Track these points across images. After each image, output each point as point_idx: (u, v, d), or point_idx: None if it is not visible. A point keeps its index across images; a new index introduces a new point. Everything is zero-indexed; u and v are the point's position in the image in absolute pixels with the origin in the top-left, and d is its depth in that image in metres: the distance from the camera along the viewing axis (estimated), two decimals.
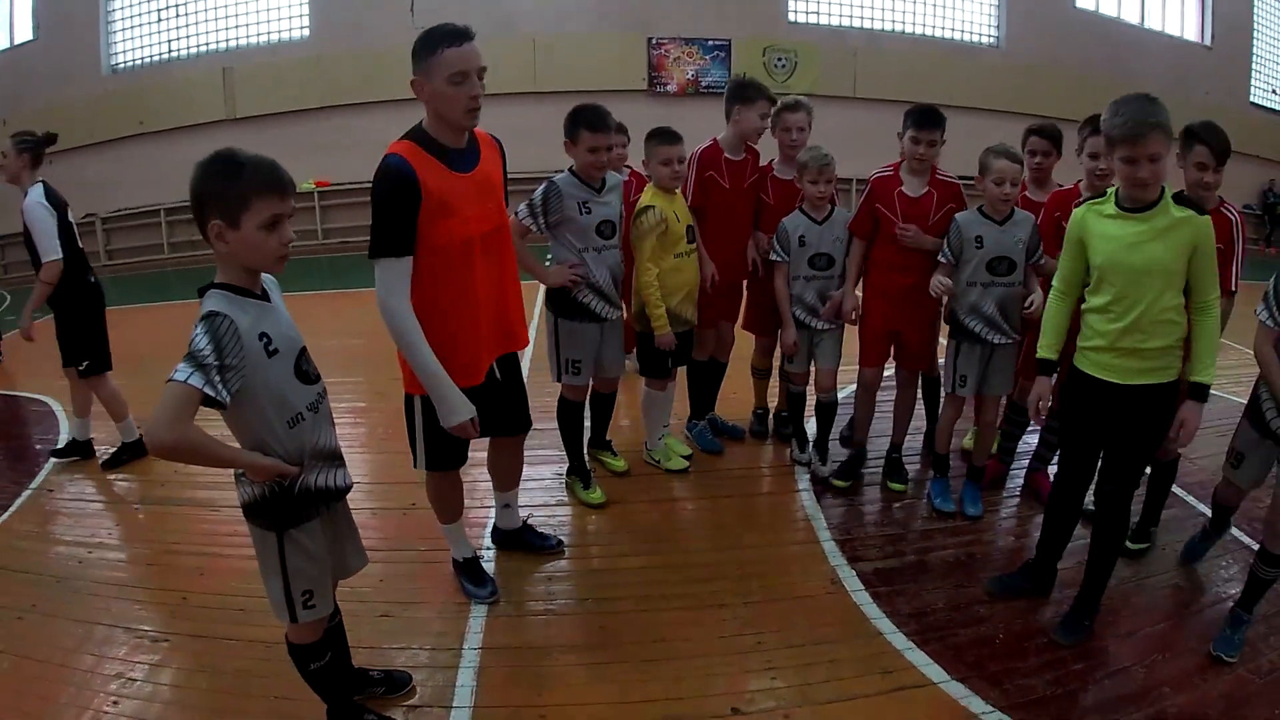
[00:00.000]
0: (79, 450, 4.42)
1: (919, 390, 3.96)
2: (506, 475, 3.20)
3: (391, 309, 2.40)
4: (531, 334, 6.01)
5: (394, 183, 2.36)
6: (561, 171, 3.35)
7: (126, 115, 10.34)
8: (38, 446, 4.75)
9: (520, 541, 3.31)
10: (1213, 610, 2.95)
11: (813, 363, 3.88)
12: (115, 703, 2.52)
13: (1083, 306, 2.68)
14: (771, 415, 4.50)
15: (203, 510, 3.78)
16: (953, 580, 3.18)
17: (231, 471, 1.94)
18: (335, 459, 2.08)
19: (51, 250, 4.00)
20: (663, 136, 3.54)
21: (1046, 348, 2.80)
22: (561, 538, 3.40)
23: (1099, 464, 2.79)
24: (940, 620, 2.90)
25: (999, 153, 3.28)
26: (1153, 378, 2.54)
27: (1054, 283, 2.79)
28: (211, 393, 1.70)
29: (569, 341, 3.43)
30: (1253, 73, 14.69)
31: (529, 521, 3.38)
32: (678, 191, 3.65)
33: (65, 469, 4.36)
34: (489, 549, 3.34)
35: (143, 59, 10.76)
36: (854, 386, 3.99)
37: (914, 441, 4.20)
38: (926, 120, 3.42)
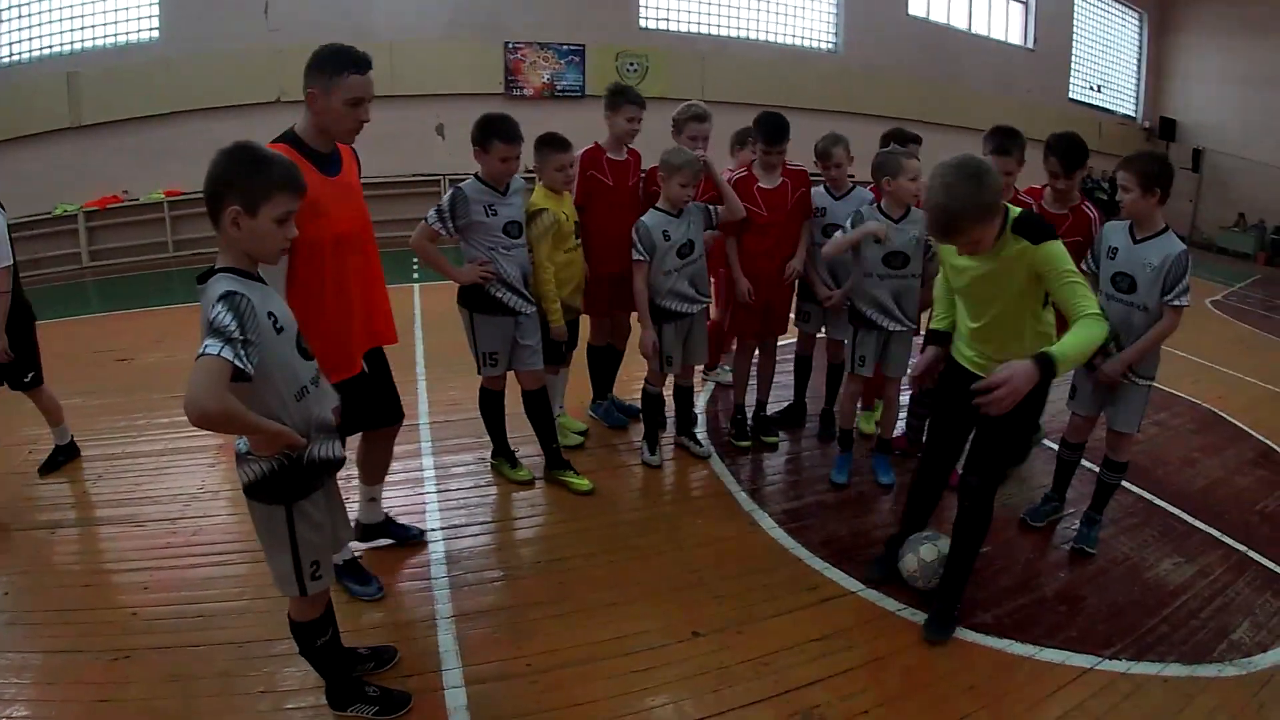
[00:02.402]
0: (66, 453, 4.28)
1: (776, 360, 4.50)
2: (376, 468, 3.27)
3: None
4: (418, 337, 6.18)
5: None
6: (464, 176, 3.57)
7: None
8: None
9: (385, 534, 3.39)
10: (1071, 518, 3.66)
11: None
12: None
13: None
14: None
15: (125, 527, 3.68)
16: (849, 513, 3.76)
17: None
18: (333, 432, 2.20)
19: (4, 256, 3.68)
20: (555, 144, 3.76)
21: (938, 320, 3.01)
22: (486, 519, 3.66)
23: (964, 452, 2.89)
24: (847, 545, 3.45)
25: (906, 154, 3.70)
26: None
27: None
28: (240, 365, 1.78)
29: (485, 336, 3.64)
30: (1071, 72, 16.58)
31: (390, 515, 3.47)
32: (565, 193, 3.89)
33: None
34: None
35: None
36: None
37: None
38: (775, 137, 3.94)
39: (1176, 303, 3.11)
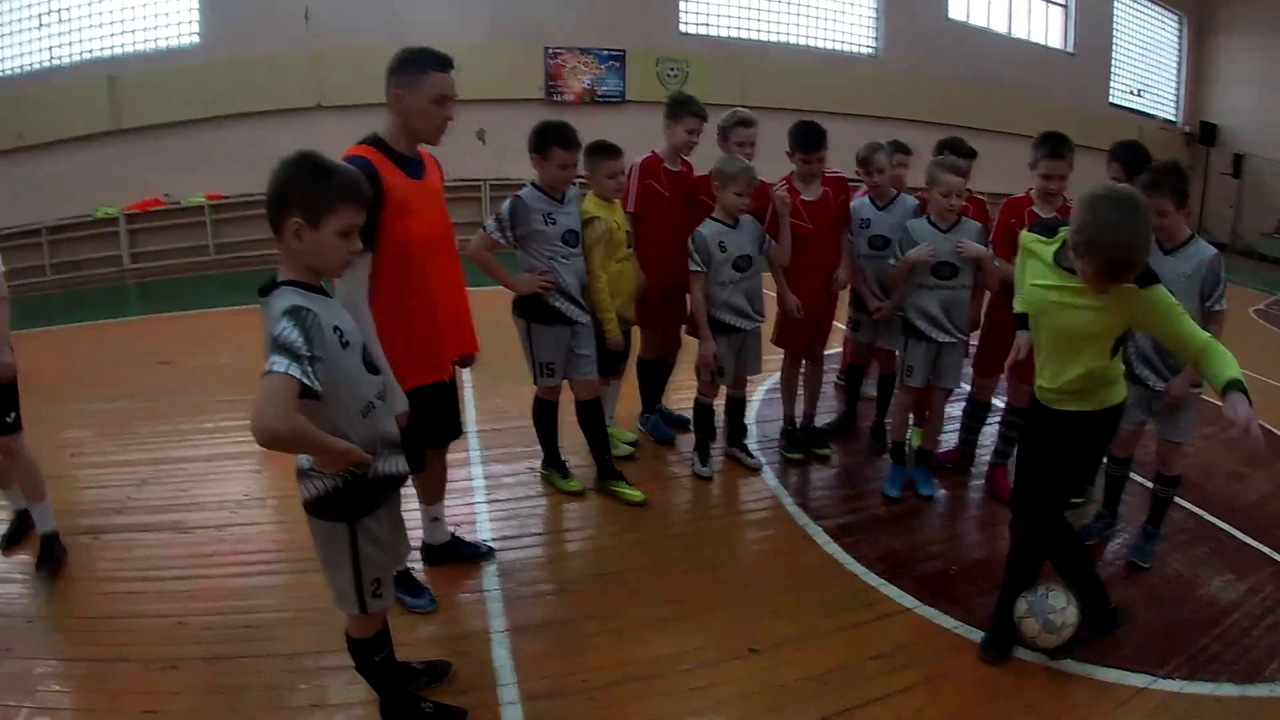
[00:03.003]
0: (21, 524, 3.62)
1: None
2: (435, 486, 3.21)
3: (351, 300, 2.46)
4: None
5: None
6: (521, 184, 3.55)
7: (4, 128, 9.49)
8: None
9: (452, 554, 3.32)
10: (1127, 533, 3.58)
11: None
12: None
13: None
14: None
15: (170, 534, 3.67)
16: (903, 528, 3.68)
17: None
18: (398, 447, 2.16)
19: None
20: (608, 151, 3.69)
21: (1020, 304, 2.78)
22: (538, 530, 3.61)
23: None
24: (902, 560, 3.38)
25: (946, 167, 3.60)
26: (1071, 405, 2.61)
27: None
28: (309, 383, 1.71)
29: (543, 346, 3.60)
30: (1112, 76, 16.28)
31: (456, 533, 3.41)
32: (615, 202, 3.83)
33: None
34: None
35: (23, 67, 9.81)
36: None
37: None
38: (812, 144, 3.89)
39: (1218, 307, 3.06)
